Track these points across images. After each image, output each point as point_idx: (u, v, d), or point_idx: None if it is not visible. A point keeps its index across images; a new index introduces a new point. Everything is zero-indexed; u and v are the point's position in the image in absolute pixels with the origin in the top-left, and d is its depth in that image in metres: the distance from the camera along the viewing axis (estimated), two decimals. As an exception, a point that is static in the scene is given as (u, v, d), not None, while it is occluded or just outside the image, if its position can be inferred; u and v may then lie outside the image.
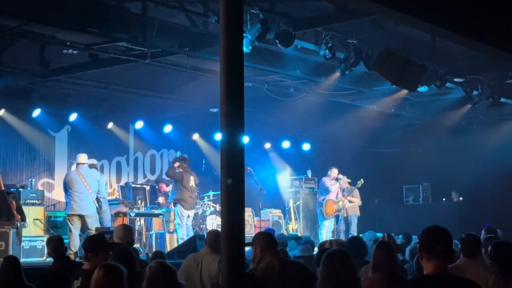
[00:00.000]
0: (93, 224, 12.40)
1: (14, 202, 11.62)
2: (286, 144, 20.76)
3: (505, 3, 8.08)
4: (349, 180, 16.86)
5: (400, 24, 11.43)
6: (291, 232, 17.13)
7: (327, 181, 16.57)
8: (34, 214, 12.86)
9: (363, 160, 19.76)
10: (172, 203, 14.43)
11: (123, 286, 4.77)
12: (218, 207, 15.27)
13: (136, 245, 11.99)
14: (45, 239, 12.55)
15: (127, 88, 15.77)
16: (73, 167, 13.52)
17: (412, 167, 19.85)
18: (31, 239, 12.42)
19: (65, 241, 11.92)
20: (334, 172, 16.54)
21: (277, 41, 11.03)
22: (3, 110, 15.35)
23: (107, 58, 12.61)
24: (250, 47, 10.86)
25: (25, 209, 12.15)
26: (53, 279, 6.71)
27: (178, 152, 17.82)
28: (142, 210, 14.37)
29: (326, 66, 13.52)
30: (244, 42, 10.34)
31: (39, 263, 11.19)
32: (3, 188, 12.00)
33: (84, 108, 16.46)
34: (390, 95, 16.17)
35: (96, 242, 6.35)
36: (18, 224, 11.33)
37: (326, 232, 16.23)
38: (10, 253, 10.32)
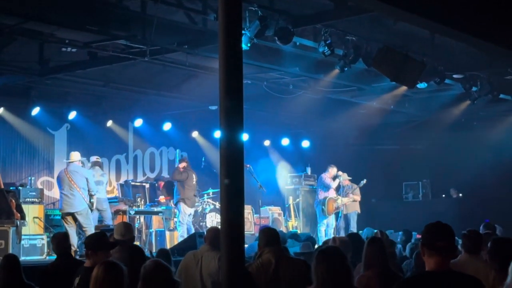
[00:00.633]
0: (86, 222, 12.37)
1: (13, 201, 11.63)
2: (285, 141, 20.77)
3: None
4: (350, 178, 16.87)
5: (399, 21, 11.42)
6: (290, 229, 17.14)
7: (326, 178, 16.56)
8: (33, 213, 12.87)
9: (362, 157, 19.77)
10: (175, 202, 14.48)
11: (123, 284, 4.77)
12: (217, 205, 15.29)
13: (136, 243, 11.99)
14: (44, 237, 12.57)
15: (126, 86, 15.77)
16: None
17: (412, 163, 19.87)
18: (31, 237, 12.41)
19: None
20: (333, 170, 16.53)
21: (276, 38, 11.02)
22: (2, 109, 15.34)
23: (106, 56, 12.61)
24: (249, 44, 10.85)
25: (24, 207, 12.17)
26: (54, 276, 6.71)
27: (177, 150, 17.83)
28: (142, 208, 14.38)
29: (325, 63, 13.51)
30: (243, 39, 10.32)
31: (38, 261, 11.19)
32: (2, 186, 12.01)
33: (83, 106, 16.45)
34: (390, 91, 16.17)
35: (97, 240, 6.35)
36: (18, 223, 11.34)
37: (324, 229, 16.24)
38: (10, 251, 10.34)
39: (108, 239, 6.73)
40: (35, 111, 15.37)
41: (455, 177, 19.67)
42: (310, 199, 18.37)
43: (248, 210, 16.56)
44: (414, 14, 7.98)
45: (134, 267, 5.63)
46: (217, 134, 16.12)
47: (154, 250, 11.60)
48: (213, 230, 7.61)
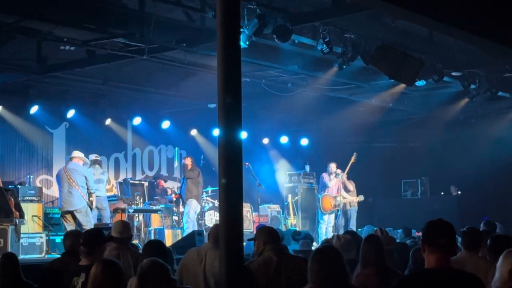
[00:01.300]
0: (85, 220, 12.38)
1: (12, 199, 11.61)
2: (284, 139, 20.77)
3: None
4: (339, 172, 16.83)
5: (398, 19, 11.43)
6: (289, 227, 17.15)
7: (325, 176, 16.56)
8: (32, 211, 12.85)
9: (361, 155, 19.71)
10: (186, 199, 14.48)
11: (122, 282, 4.77)
12: (216, 203, 15.29)
13: (135, 241, 11.99)
14: (43, 235, 12.57)
15: (124, 84, 15.77)
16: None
17: (411, 161, 19.88)
18: (30, 236, 12.40)
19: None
20: (332, 167, 16.51)
21: (275, 36, 11.01)
22: (0, 107, 15.34)
23: (105, 54, 12.61)
24: (247, 42, 10.85)
25: (23, 206, 12.15)
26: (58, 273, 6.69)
27: (176, 148, 17.83)
28: (141, 206, 14.38)
29: (323, 60, 13.50)
30: (241, 37, 10.33)
31: (37, 259, 11.18)
32: (1, 185, 12.01)
33: (81, 104, 16.44)
34: (388, 89, 16.18)
35: (96, 237, 6.36)
36: (17, 221, 11.32)
37: (325, 227, 16.23)
38: (9, 250, 10.32)
39: (105, 235, 6.73)
40: (34, 109, 15.37)
41: (453, 175, 19.68)
42: (308, 197, 18.37)
43: (247, 208, 16.56)
44: (412, 12, 7.97)
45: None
46: (216, 132, 16.12)
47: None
48: (217, 227, 7.60)
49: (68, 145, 16.95)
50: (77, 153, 13.27)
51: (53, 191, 16.25)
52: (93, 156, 14.35)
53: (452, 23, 8.24)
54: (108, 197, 15.58)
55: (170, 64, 13.61)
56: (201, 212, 15.49)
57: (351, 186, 16.60)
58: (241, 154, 4.08)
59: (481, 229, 8.89)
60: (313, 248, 9.18)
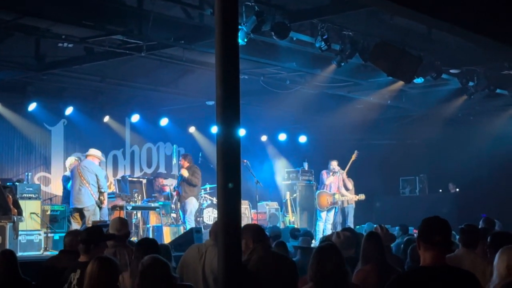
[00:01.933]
0: (92, 218, 12.45)
1: (10, 196, 11.61)
2: (282, 137, 20.77)
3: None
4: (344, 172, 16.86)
5: (396, 16, 11.42)
6: (288, 224, 17.15)
7: (323, 174, 16.56)
8: (30, 208, 12.83)
9: (359, 152, 19.73)
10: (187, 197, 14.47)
11: (117, 279, 4.77)
12: (215, 200, 15.27)
13: (133, 238, 11.99)
14: (41, 233, 12.57)
15: (123, 81, 15.75)
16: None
17: (409, 158, 19.89)
18: (28, 233, 12.38)
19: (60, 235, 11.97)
20: (333, 164, 16.50)
21: (273, 33, 11.00)
22: (-2, 104, 15.35)
23: (103, 51, 12.60)
24: (245, 40, 10.84)
25: (21, 203, 12.14)
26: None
27: (174, 146, 17.82)
28: (139, 203, 14.36)
29: (322, 58, 13.50)
30: (239, 34, 10.32)
31: (36, 257, 11.17)
32: (-1, 182, 12.01)
33: (80, 101, 16.43)
34: (386, 86, 16.16)
35: (97, 234, 6.36)
36: (15, 218, 11.32)
37: (323, 224, 16.24)
38: (7, 247, 10.33)
39: (105, 233, 6.74)
40: (32, 106, 15.35)
41: (452, 172, 19.70)
42: (307, 194, 18.37)
43: (245, 205, 16.55)
44: (411, 9, 7.97)
45: None
46: (214, 129, 16.08)
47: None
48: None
49: (66, 142, 16.96)
50: (92, 151, 13.31)
51: (51, 188, 16.26)
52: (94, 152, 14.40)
53: (451, 20, 8.24)
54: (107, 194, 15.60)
55: (168, 61, 13.61)
56: (199, 209, 15.48)
57: (350, 184, 16.60)
58: (239, 151, 4.09)
59: (480, 226, 8.91)
60: (311, 245, 9.19)
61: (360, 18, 11.99)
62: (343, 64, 12.76)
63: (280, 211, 17.96)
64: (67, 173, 14.72)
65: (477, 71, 14.67)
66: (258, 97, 16.56)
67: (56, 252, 11.54)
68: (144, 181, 16.71)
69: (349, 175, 16.72)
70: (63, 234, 12.80)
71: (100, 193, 12.76)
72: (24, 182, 13.80)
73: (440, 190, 20.53)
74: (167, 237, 13.99)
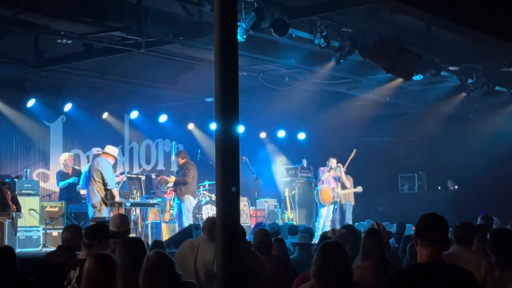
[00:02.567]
0: (97, 214, 12.53)
1: (9, 193, 11.60)
2: (281, 134, 20.77)
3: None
4: (345, 170, 16.86)
5: (395, 13, 11.42)
6: (286, 221, 17.15)
7: (320, 170, 16.57)
8: (29, 205, 12.83)
9: (358, 149, 19.72)
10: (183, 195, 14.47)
11: (115, 275, 4.76)
12: (213, 197, 15.28)
13: (132, 235, 11.98)
14: (40, 229, 12.57)
15: (121, 77, 15.74)
16: None
17: (408, 155, 19.88)
18: (27, 230, 12.39)
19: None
20: (331, 162, 16.50)
21: (272, 30, 10.99)
22: (-3, 101, 15.34)
23: (102, 47, 12.59)
24: (244, 36, 10.83)
25: (20, 199, 12.14)
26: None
27: (173, 142, 17.81)
28: (138, 200, 14.36)
29: (321, 55, 13.50)
30: (238, 31, 10.31)
31: (34, 253, 11.17)
32: (-2, 178, 12.01)
33: (79, 98, 16.42)
34: (385, 83, 16.17)
35: (101, 230, 6.35)
36: (14, 215, 11.31)
37: (323, 221, 16.23)
38: (6, 243, 10.32)
39: (109, 230, 6.73)
40: (31, 103, 15.34)
41: (451, 169, 19.71)
42: (306, 191, 18.38)
43: (244, 202, 16.54)
44: (410, 6, 7.96)
45: (138, 261, 5.62)
46: (213, 126, 16.10)
47: (150, 242, 11.58)
48: (211, 219, 7.58)
49: (65, 139, 16.95)
50: (107, 149, 13.44)
51: (50, 184, 16.25)
52: (94, 150, 14.41)
53: (450, 17, 8.24)
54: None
55: (167, 57, 13.60)
56: (198, 206, 15.48)
57: (348, 183, 16.61)
58: (238, 148, 4.09)
59: (478, 223, 8.92)
60: (311, 242, 9.19)
61: (359, 15, 11.98)
62: (342, 61, 12.75)
63: (279, 208, 17.97)
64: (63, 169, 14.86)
65: (476, 68, 14.67)
66: (257, 94, 16.55)
67: (54, 249, 11.58)
68: (143, 177, 16.70)
69: (347, 172, 16.70)
70: (61, 231, 12.85)
71: (106, 190, 12.80)
72: (23, 179, 13.80)
73: (439, 187, 20.54)
74: (166, 234, 14.00)
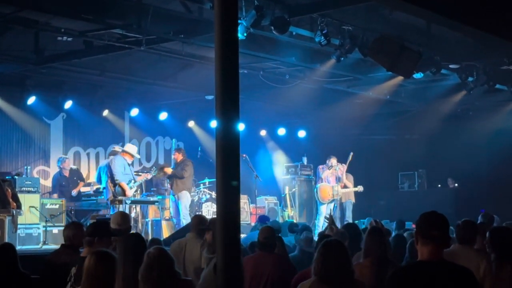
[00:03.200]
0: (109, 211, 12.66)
1: (9, 190, 11.61)
2: (281, 131, 20.77)
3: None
4: (343, 165, 16.85)
5: (396, 10, 11.41)
6: (286, 219, 17.16)
7: (320, 168, 16.58)
8: (29, 202, 12.85)
9: (358, 147, 19.76)
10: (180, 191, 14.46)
11: (115, 272, 4.76)
12: (214, 195, 15.28)
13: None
14: (40, 226, 12.58)
15: (122, 75, 15.73)
16: None
17: (408, 153, 19.89)
18: (27, 227, 12.41)
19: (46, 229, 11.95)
20: (332, 162, 16.49)
21: (272, 28, 10.99)
22: (-3, 98, 15.35)
23: (102, 45, 12.58)
24: (245, 34, 10.83)
25: (20, 196, 12.15)
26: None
27: (174, 140, 17.81)
28: (138, 197, 14.38)
29: (321, 52, 13.50)
30: (239, 28, 10.31)
31: (34, 250, 11.18)
32: (-2, 176, 12.02)
33: (79, 95, 16.42)
34: (386, 81, 16.16)
35: (102, 227, 6.36)
36: (14, 212, 11.33)
37: (323, 219, 16.21)
38: (6, 240, 10.33)
39: (111, 228, 6.73)
40: (31, 100, 15.35)
41: (450, 167, 19.71)
42: (306, 189, 18.39)
43: (244, 200, 16.55)
44: (410, 3, 7.96)
45: (137, 257, 5.63)
46: (213, 123, 16.09)
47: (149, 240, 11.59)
48: (197, 217, 7.61)
49: (65, 136, 16.97)
50: (126, 147, 13.65)
51: (50, 182, 16.26)
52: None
53: (450, 15, 8.24)
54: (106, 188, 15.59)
55: (167, 55, 13.59)
56: (198, 203, 15.49)
57: (349, 183, 16.62)
58: (238, 145, 4.08)
59: (478, 222, 8.92)
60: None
61: (360, 13, 11.98)
62: (342, 59, 12.75)
63: (279, 205, 17.98)
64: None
65: (476, 66, 14.66)
66: (257, 92, 16.55)
67: (54, 246, 11.61)
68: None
69: (348, 170, 16.72)
70: (62, 228, 12.88)
71: (115, 185, 12.86)
72: (23, 176, 13.83)
73: (439, 185, 20.54)
74: (166, 231, 14.02)
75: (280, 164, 19.88)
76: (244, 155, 15.26)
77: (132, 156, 13.47)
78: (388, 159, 20.12)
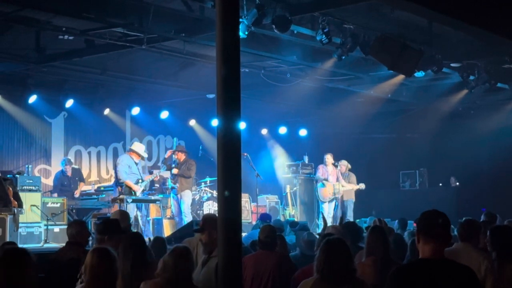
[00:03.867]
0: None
1: (11, 189, 11.61)
2: (283, 130, 20.76)
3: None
4: (349, 166, 16.87)
5: (397, 9, 11.40)
6: (288, 217, 17.16)
7: (319, 169, 16.58)
8: (31, 200, 12.85)
9: (360, 146, 19.78)
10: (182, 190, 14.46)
11: (117, 269, 4.78)
12: (215, 193, 15.28)
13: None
14: (42, 225, 12.58)
15: (123, 74, 15.73)
16: None
17: (409, 152, 19.89)
18: (28, 225, 12.42)
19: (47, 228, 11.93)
20: (328, 158, 16.51)
21: (274, 26, 10.99)
22: (-1, 97, 15.35)
23: (103, 43, 12.58)
24: (246, 33, 10.82)
25: (22, 195, 12.15)
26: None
27: (175, 138, 17.81)
28: (139, 196, 14.37)
29: (322, 51, 13.49)
30: (240, 27, 10.30)
31: (36, 249, 11.19)
32: (-1, 174, 12.02)
33: (80, 94, 16.43)
34: (387, 80, 16.15)
35: (113, 225, 6.37)
36: (15, 211, 11.33)
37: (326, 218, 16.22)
38: (7, 239, 10.34)
39: (121, 226, 6.72)
40: (32, 99, 15.35)
41: (452, 166, 19.70)
42: (307, 188, 18.37)
43: (245, 198, 16.57)
44: (411, 2, 7.96)
45: (134, 255, 5.64)
46: (215, 122, 16.10)
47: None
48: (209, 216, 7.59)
49: (66, 135, 16.98)
50: (133, 146, 13.67)
51: (52, 180, 16.27)
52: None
53: (452, 13, 8.24)
54: (107, 187, 15.61)
55: (169, 54, 13.59)
56: (199, 202, 15.50)
57: (353, 184, 16.66)
58: (239, 144, 4.08)
59: (481, 220, 8.92)
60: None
61: (361, 11, 11.97)
62: (343, 57, 12.74)
63: (280, 204, 17.98)
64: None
65: (478, 65, 14.65)
66: (258, 90, 16.54)
67: (55, 245, 11.62)
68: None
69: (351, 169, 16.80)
70: (63, 227, 12.90)
71: (121, 185, 12.86)
72: (25, 175, 13.83)
73: (440, 184, 20.53)
74: (167, 230, 14.02)
75: (281, 163, 19.87)
76: (245, 154, 15.25)
77: (139, 155, 13.41)
78: (389, 158, 20.11)
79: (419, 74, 13.81)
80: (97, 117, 17.04)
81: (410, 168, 20.63)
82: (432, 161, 20.21)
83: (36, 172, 15.85)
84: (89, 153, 17.48)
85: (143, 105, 17.62)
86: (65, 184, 15.00)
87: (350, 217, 16.19)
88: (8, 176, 12.76)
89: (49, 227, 12.67)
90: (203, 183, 15.96)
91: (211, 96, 16.26)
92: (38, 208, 12.90)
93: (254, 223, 14.63)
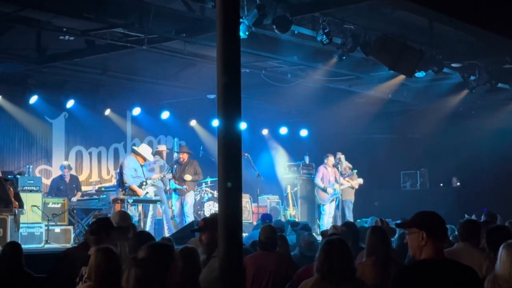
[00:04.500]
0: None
1: (11, 189, 11.62)
2: (283, 130, 20.76)
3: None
4: (351, 166, 16.86)
5: (398, 9, 11.41)
6: (288, 218, 17.15)
7: (319, 171, 16.57)
8: (31, 201, 12.84)
9: (360, 146, 19.77)
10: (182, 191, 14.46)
11: (120, 269, 4.78)
12: (216, 194, 15.28)
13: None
14: (42, 225, 12.59)
15: (124, 74, 15.74)
16: None
17: (410, 152, 19.88)
18: (29, 226, 12.41)
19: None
20: (330, 160, 16.48)
21: (274, 27, 10.99)
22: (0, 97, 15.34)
23: (104, 44, 12.58)
24: (247, 33, 10.82)
25: (22, 195, 12.15)
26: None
27: (176, 139, 17.82)
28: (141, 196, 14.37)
29: (323, 51, 13.49)
30: (241, 27, 10.30)
31: (37, 250, 11.20)
32: (0, 175, 12.01)
33: (81, 94, 16.42)
34: (388, 80, 16.15)
35: (106, 225, 6.36)
36: (16, 211, 11.33)
37: (327, 218, 16.22)
38: (8, 239, 10.34)
39: (112, 225, 6.70)
40: (33, 99, 15.35)
41: (453, 166, 19.69)
42: (308, 188, 18.36)
43: (246, 199, 16.56)
44: (412, 2, 7.96)
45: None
46: (215, 123, 16.09)
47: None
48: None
49: (67, 136, 16.97)
50: (139, 148, 13.49)
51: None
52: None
53: (452, 13, 8.24)
54: (108, 187, 15.59)
55: (169, 54, 13.59)
56: (200, 202, 15.49)
57: (354, 183, 16.67)
58: (240, 144, 4.09)
59: (482, 220, 8.91)
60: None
61: (362, 12, 11.97)
62: (344, 57, 12.74)
63: (281, 204, 17.97)
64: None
65: (478, 65, 14.65)
66: (259, 91, 16.54)
67: (57, 245, 11.63)
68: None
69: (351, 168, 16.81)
70: (64, 227, 12.92)
71: (125, 189, 12.84)
72: (25, 175, 13.81)
73: (441, 184, 20.53)
74: (168, 230, 14.01)
75: (282, 163, 19.85)
76: (246, 154, 15.25)
77: (144, 159, 13.31)
78: (390, 158, 20.11)
79: (419, 74, 13.81)
80: (98, 117, 17.04)
81: (411, 168, 20.63)
82: (433, 161, 20.20)
83: (37, 173, 15.84)
84: (90, 153, 17.48)
85: (144, 105, 17.62)
86: (61, 188, 14.90)
87: (349, 217, 16.19)
88: (9, 176, 12.75)
89: (50, 227, 12.67)
90: (204, 184, 15.96)
91: (212, 96, 16.26)
92: (39, 209, 12.89)
93: (255, 223, 14.63)
